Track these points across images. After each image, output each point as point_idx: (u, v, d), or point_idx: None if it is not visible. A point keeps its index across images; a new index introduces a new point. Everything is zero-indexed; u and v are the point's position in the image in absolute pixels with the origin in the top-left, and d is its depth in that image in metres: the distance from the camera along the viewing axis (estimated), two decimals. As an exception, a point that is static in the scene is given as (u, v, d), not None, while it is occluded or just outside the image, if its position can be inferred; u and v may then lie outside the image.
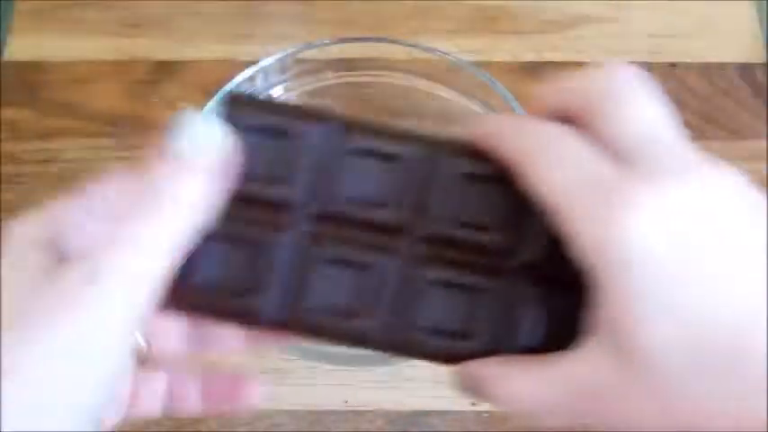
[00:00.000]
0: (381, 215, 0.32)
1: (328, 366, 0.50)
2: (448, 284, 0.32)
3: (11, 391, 0.27)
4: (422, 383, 0.51)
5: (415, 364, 0.51)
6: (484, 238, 0.32)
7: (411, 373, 0.51)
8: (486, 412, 0.50)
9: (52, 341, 0.27)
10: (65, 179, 0.57)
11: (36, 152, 0.58)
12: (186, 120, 0.29)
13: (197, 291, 0.32)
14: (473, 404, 0.50)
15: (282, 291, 0.32)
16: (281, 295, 0.32)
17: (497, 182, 0.32)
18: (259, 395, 0.34)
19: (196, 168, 0.29)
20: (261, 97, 0.32)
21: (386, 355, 0.34)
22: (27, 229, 0.30)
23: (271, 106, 0.33)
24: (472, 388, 0.31)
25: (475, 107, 0.53)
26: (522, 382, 0.30)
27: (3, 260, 0.29)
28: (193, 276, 0.32)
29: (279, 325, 0.32)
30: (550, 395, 0.29)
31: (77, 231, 0.29)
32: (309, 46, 0.53)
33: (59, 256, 0.29)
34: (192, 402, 0.34)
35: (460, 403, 0.50)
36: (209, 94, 0.49)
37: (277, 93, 0.53)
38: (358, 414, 0.50)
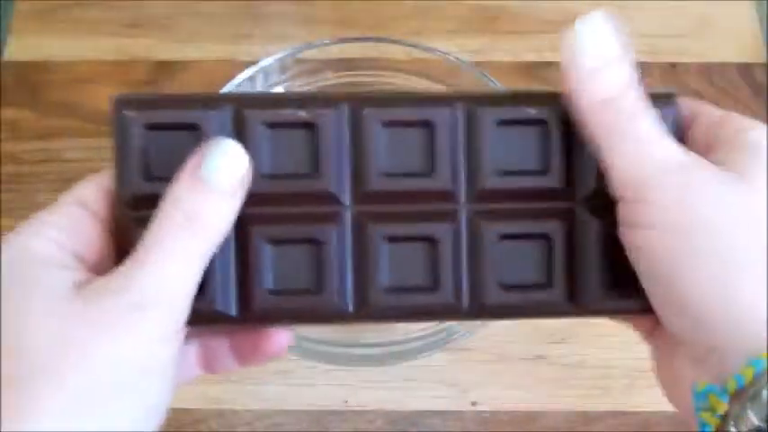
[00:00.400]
0: (428, 183, 0.32)
1: (328, 366, 0.50)
2: (516, 236, 0.32)
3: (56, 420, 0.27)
4: (422, 383, 0.51)
5: (415, 364, 0.51)
6: (540, 182, 0.32)
7: (411, 373, 0.51)
8: (487, 412, 0.50)
9: (92, 372, 0.27)
10: (65, 179, 0.56)
11: (36, 152, 0.58)
12: (213, 146, 0.30)
13: (267, 299, 0.32)
14: (473, 404, 0.50)
15: (349, 280, 0.32)
16: (350, 285, 0.32)
17: (535, 124, 0.32)
18: (285, 343, 0.34)
19: (221, 191, 0.30)
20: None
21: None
22: (41, 244, 0.30)
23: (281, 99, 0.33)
24: None
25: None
26: None
27: (17, 284, 0.29)
28: (260, 285, 0.32)
29: (354, 316, 0.32)
30: None
31: (91, 246, 0.30)
32: (309, 46, 0.53)
33: (80, 276, 0.29)
34: (226, 362, 0.35)
35: (460, 403, 0.50)
36: (209, 95, 0.49)
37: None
38: (358, 414, 0.50)
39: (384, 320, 0.33)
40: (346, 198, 0.32)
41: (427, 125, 0.32)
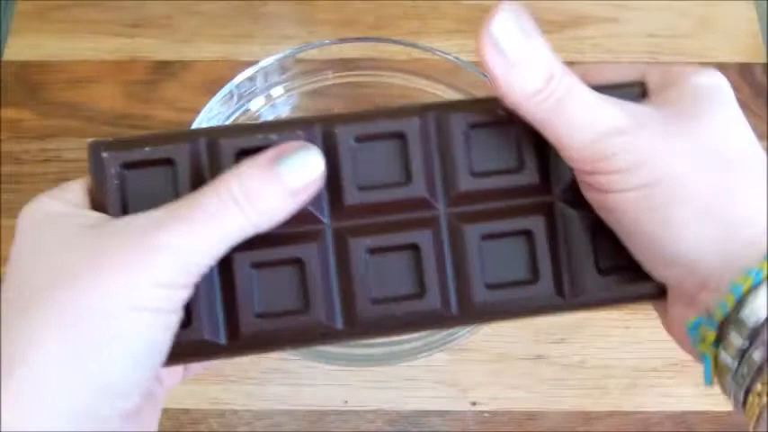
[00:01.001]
0: (405, 192, 0.32)
1: (328, 366, 0.50)
2: (498, 235, 0.32)
3: (52, 346, 0.27)
4: (422, 383, 0.51)
5: (415, 364, 0.51)
6: (516, 180, 0.32)
7: (411, 373, 0.51)
8: (487, 412, 0.50)
9: (95, 297, 0.27)
10: (65, 179, 0.56)
11: (36, 152, 0.58)
12: (297, 146, 0.31)
13: (255, 323, 0.32)
14: (473, 404, 0.50)
15: (336, 296, 0.32)
16: (337, 301, 0.32)
17: (506, 124, 0.32)
18: None
19: (289, 187, 0.30)
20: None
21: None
22: (58, 203, 0.31)
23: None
24: None
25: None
26: None
27: (34, 228, 0.30)
28: (247, 310, 0.32)
29: (344, 331, 0.32)
30: None
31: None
32: (309, 46, 0.53)
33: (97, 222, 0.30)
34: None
35: (460, 403, 0.50)
36: (209, 94, 0.49)
37: (277, 93, 0.53)
38: (358, 414, 0.50)
39: (375, 334, 0.33)
40: (325, 215, 0.32)
41: (399, 136, 0.32)
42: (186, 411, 0.50)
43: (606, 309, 0.35)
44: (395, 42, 0.53)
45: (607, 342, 0.52)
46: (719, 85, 0.32)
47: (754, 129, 0.31)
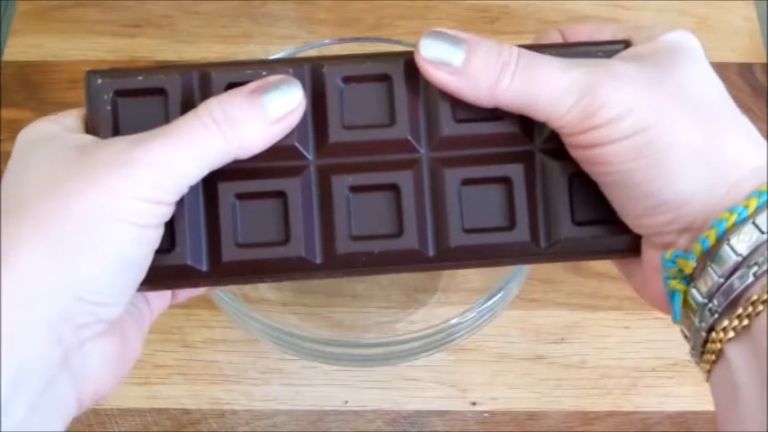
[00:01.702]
0: (389, 133, 0.32)
1: (328, 366, 0.50)
2: (477, 181, 0.33)
3: (37, 254, 0.28)
4: (422, 383, 0.51)
5: (415, 364, 0.51)
6: (498, 128, 0.32)
7: (411, 374, 0.51)
8: (487, 412, 0.50)
9: (78, 208, 0.29)
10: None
11: (36, 152, 0.58)
12: (280, 79, 0.32)
13: (236, 251, 0.32)
14: (473, 404, 0.50)
15: (316, 231, 0.32)
16: (317, 235, 0.32)
17: None
18: None
19: (269, 116, 0.31)
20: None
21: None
22: (54, 125, 0.32)
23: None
24: None
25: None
26: None
27: (31, 146, 0.32)
28: (229, 239, 0.32)
29: (322, 265, 0.33)
30: None
31: None
32: (309, 46, 0.53)
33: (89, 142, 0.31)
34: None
35: (460, 403, 0.50)
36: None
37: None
38: (358, 414, 0.50)
39: (352, 271, 0.33)
40: (310, 152, 0.33)
41: (386, 79, 0.33)
42: (186, 411, 0.50)
43: (579, 260, 0.36)
44: (395, 42, 0.53)
45: (607, 342, 0.52)
46: (691, 42, 0.33)
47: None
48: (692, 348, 0.31)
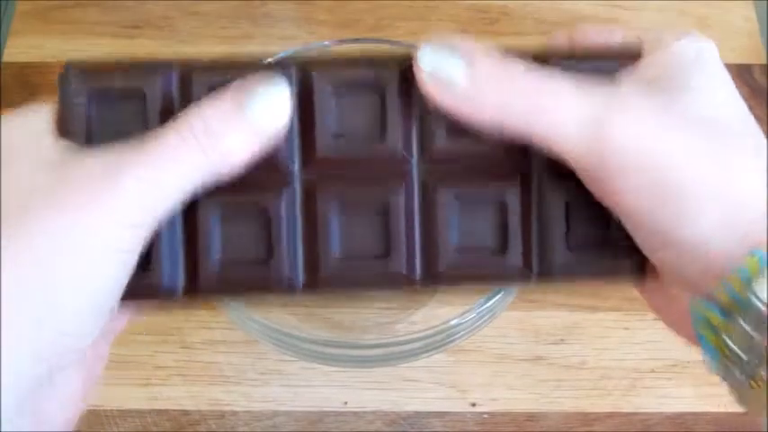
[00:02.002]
0: (380, 145, 0.31)
1: (328, 367, 0.50)
2: (471, 200, 0.31)
3: (11, 281, 0.27)
4: (422, 384, 0.51)
5: (415, 364, 0.51)
6: (496, 144, 0.30)
7: (411, 374, 0.51)
8: (486, 413, 0.50)
9: (56, 234, 0.27)
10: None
11: (36, 153, 0.58)
12: (266, 80, 0.30)
13: (216, 270, 0.31)
14: (473, 405, 0.50)
15: (300, 249, 0.31)
16: (300, 255, 0.31)
17: None
18: None
19: (256, 127, 0.29)
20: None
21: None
22: (38, 119, 0.30)
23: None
24: None
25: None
26: None
27: (14, 145, 0.29)
28: (208, 258, 0.31)
29: (305, 287, 0.31)
30: None
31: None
32: (309, 46, 0.53)
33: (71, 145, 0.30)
34: None
35: (460, 404, 0.50)
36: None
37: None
38: (357, 415, 0.50)
39: (337, 292, 0.32)
40: (295, 164, 0.31)
41: (378, 87, 0.31)
42: (185, 413, 0.50)
43: (575, 286, 0.35)
44: (395, 43, 0.53)
45: (606, 343, 0.52)
46: (707, 53, 0.30)
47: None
48: (738, 400, 0.29)
